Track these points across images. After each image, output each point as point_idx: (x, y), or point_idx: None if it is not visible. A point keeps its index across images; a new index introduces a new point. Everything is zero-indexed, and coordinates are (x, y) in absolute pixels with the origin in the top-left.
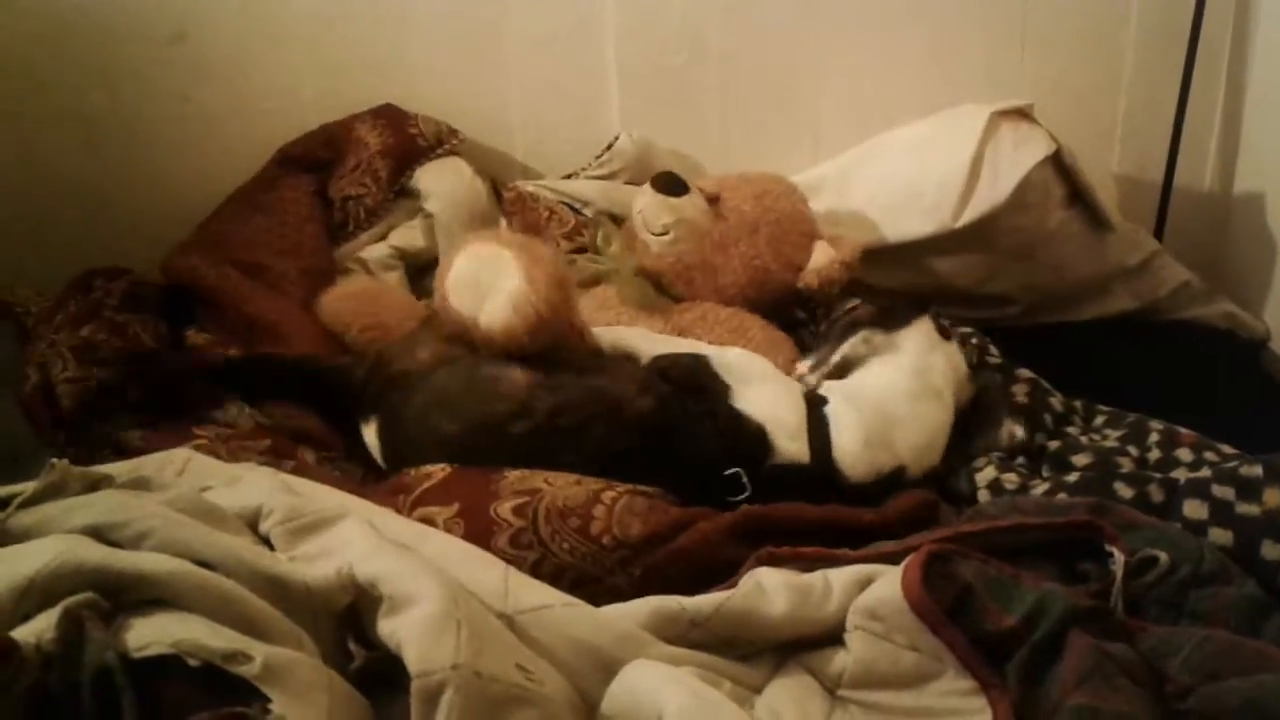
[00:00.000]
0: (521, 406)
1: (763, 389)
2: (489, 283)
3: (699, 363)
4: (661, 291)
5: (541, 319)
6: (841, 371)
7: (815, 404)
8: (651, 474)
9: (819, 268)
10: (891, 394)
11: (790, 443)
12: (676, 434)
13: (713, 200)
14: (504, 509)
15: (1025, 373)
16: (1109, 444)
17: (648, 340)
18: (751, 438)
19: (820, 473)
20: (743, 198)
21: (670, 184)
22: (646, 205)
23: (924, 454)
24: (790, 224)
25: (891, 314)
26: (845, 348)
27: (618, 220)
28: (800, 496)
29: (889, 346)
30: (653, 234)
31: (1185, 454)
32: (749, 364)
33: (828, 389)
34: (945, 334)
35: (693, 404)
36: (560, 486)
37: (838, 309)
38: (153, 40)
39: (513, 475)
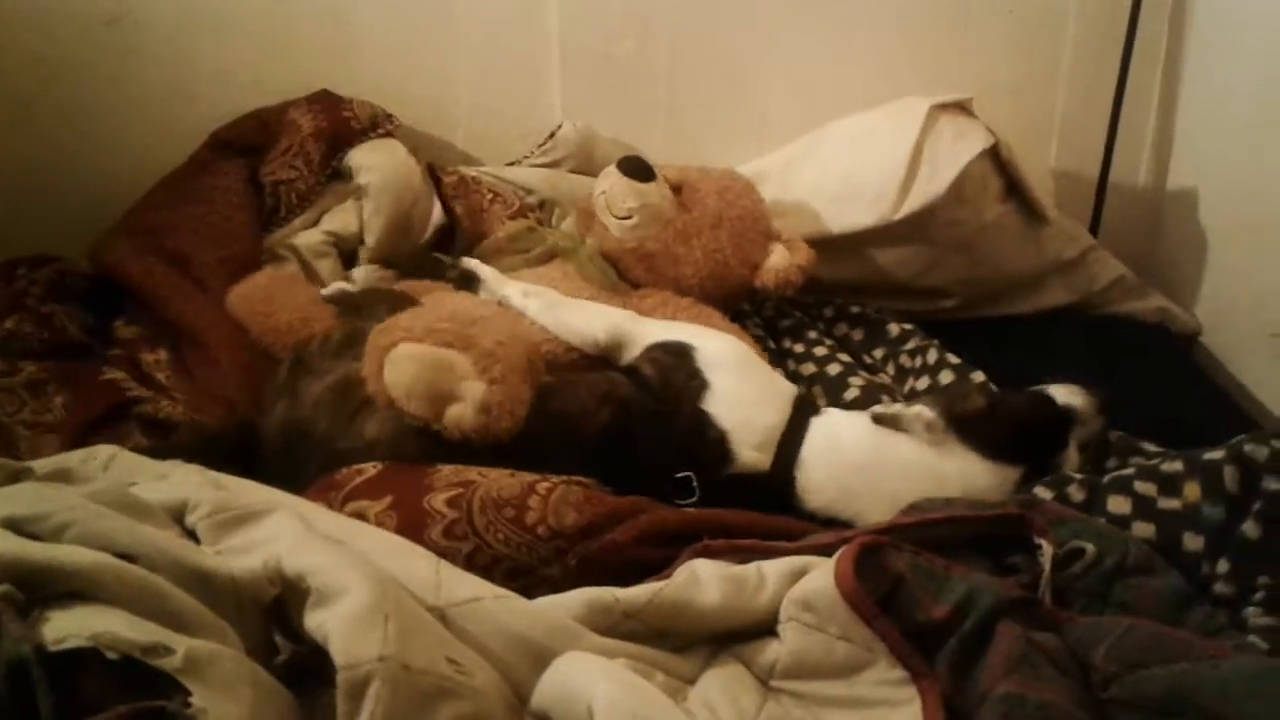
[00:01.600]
0: (488, 446)
1: (741, 385)
2: (448, 388)
3: (681, 357)
4: (619, 276)
5: (515, 415)
6: (879, 418)
7: (805, 411)
8: (609, 477)
9: (777, 268)
10: (896, 474)
11: (752, 451)
12: (635, 437)
13: (675, 190)
14: (437, 501)
15: (978, 375)
16: None
17: (644, 324)
18: (711, 444)
19: (777, 482)
20: (706, 191)
21: (638, 168)
22: (611, 187)
23: (880, 519)
24: (751, 222)
25: (976, 425)
26: (907, 415)
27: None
28: (752, 505)
29: (938, 444)
30: (616, 217)
31: (1111, 461)
32: (734, 357)
33: (836, 412)
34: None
35: (655, 404)
36: (494, 478)
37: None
38: (88, 21)
39: (446, 469)
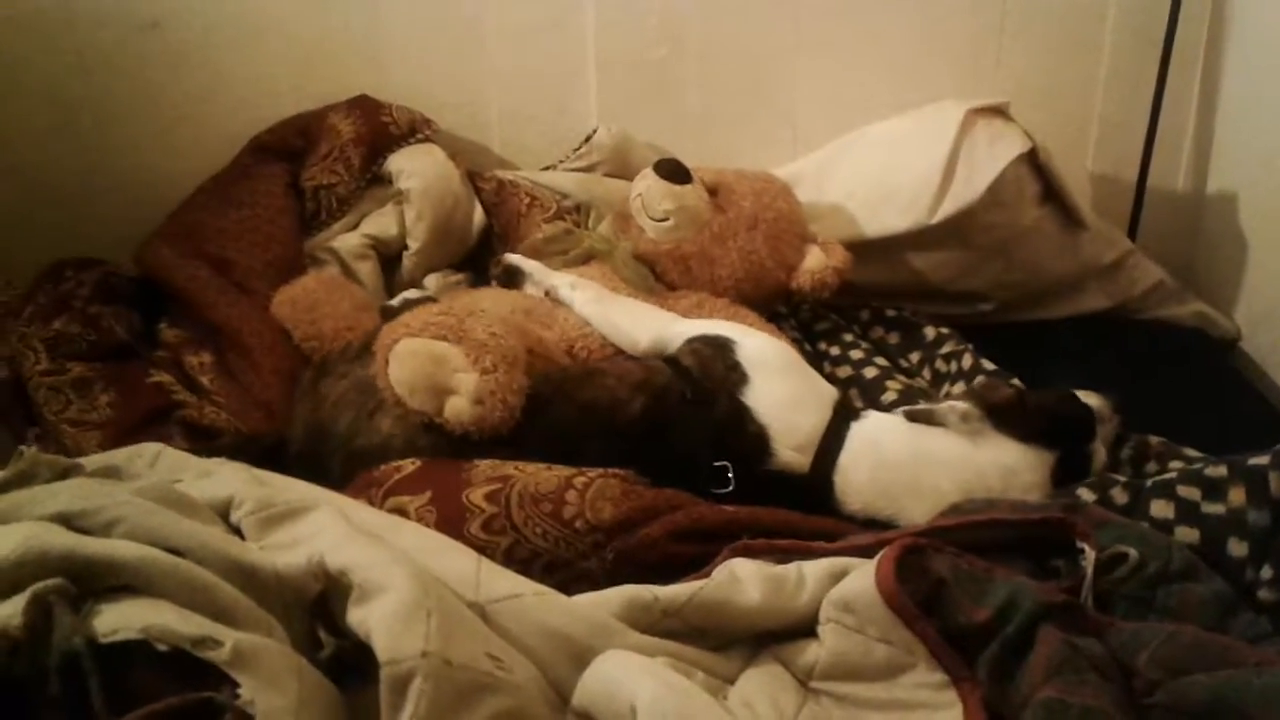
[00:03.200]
0: (516, 436)
1: (782, 385)
2: (443, 381)
3: (721, 349)
4: (655, 277)
5: (509, 405)
6: (913, 414)
7: (845, 415)
8: (643, 467)
9: (813, 270)
10: (935, 468)
11: (791, 451)
12: (670, 427)
13: (711, 192)
14: (476, 495)
15: (1014, 382)
16: None
17: (686, 324)
18: (749, 438)
19: (815, 484)
20: (742, 193)
21: (675, 171)
22: (648, 190)
23: (921, 519)
24: (787, 224)
25: (1009, 412)
26: (942, 409)
27: None
28: (789, 504)
29: (974, 434)
30: (652, 219)
31: (1152, 466)
32: (776, 356)
33: (875, 415)
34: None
35: (692, 393)
36: (532, 472)
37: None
38: (128, 27)
39: (484, 464)
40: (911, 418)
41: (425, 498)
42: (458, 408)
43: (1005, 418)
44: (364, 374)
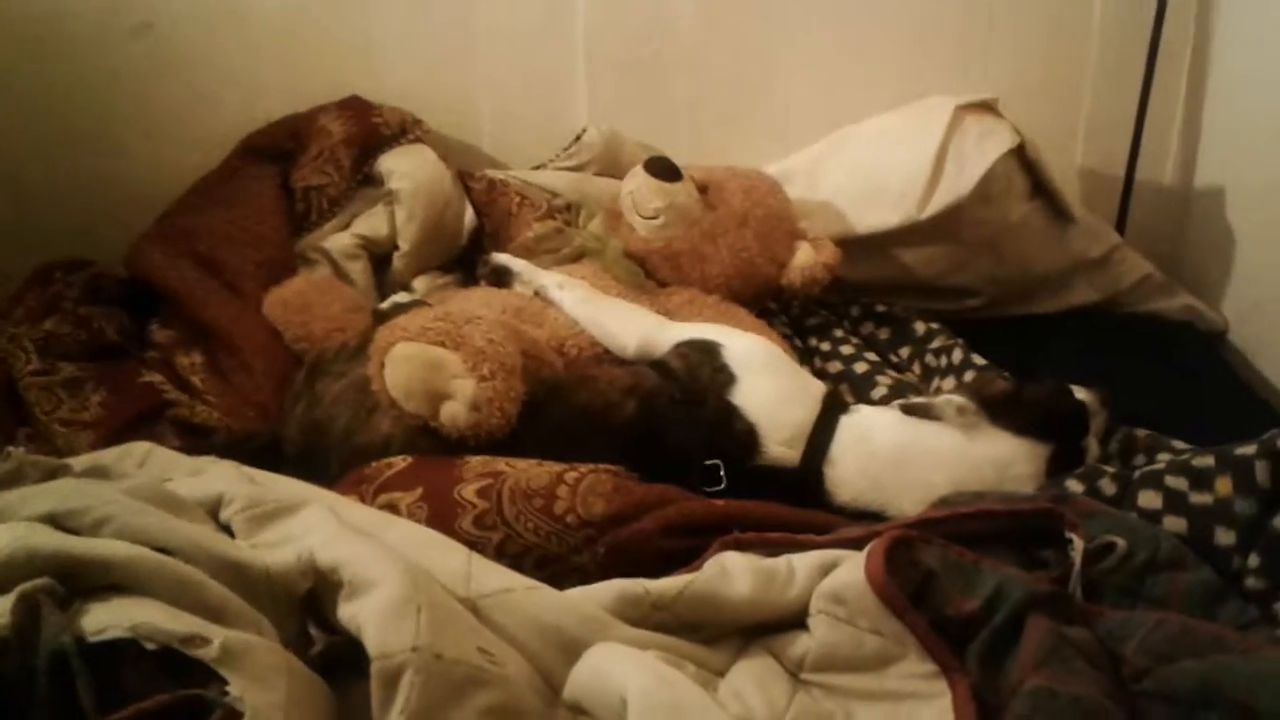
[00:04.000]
0: (514, 437)
1: (769, 383)
2: (440, 386)
3: (709, 354)
4: (646, 275)
5: (505, 413)
6: (910, 408)
7: (834, 409)
8: (637, 467)
9: (803, 266)
10: (928, 459)
11: (780, 446)
12: (662, 427)
13: (702, 190)
14: (467, 491)
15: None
16: None
17: (674, 328)
18: (738, 435)
19: (806, 477)
20: (732, 190)
21: (665, 169)
22: (639, 188)
23: (910, 510)
24: (777, 221)
25: (1005, 405)
26: (938, 402)
27: None
28: (781, 497)
29: (970, 428)
30: (643, 217)
31: (1140, 458)
32: (762, 355)
33: (866, 408)
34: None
35: (681, 395)
36: (523, 468)
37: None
38: (117, 30)
39: (475, 460)
40: (908, 411)
41: (417, 494)
42: (454, 413)
43: (1001, 411)
44: (360, 373)
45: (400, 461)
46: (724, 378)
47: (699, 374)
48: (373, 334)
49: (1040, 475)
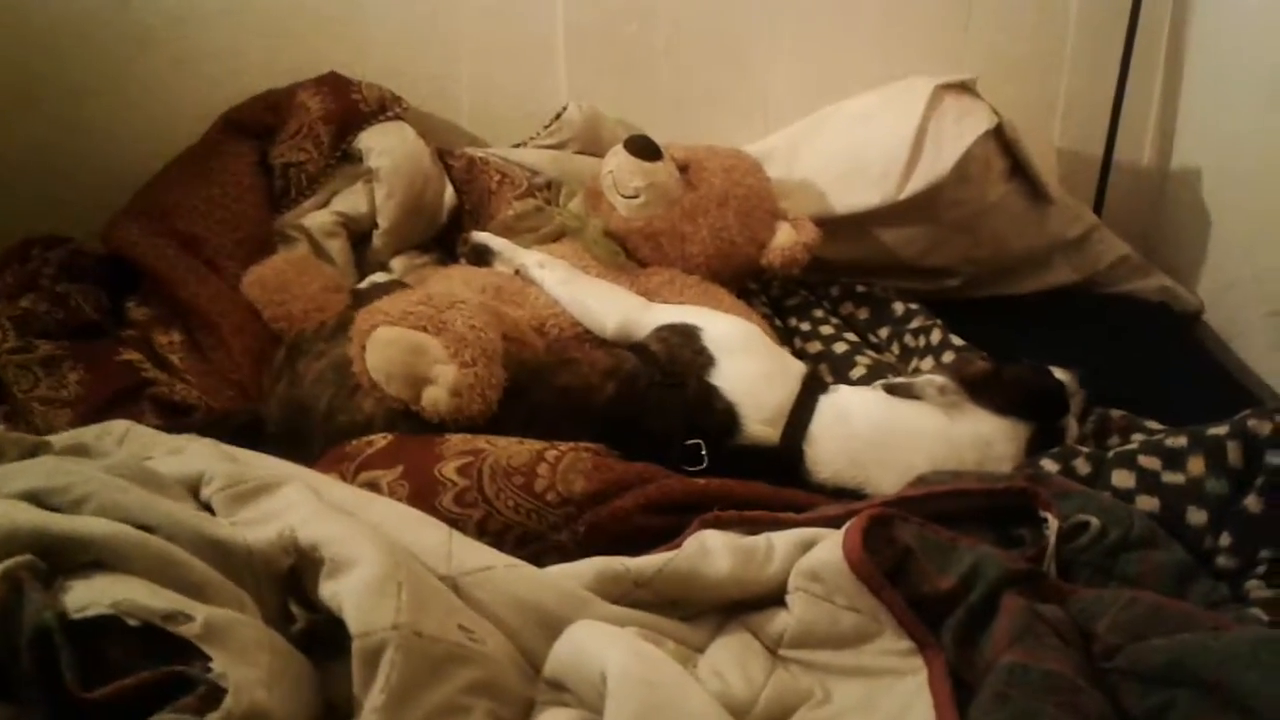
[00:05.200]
0: (494, 420)
1: (749, 363)
2: (423, 371)
3: (688, 336)
4: (626, 254)
5: (487, 399)
6: (892, 387)
7: (814, 388)
8: (618, 447)
9: (783, 246)
10: (908, 439)
11: (760, 425)
12: (642, 409)
13: (682, 169)
14: (448, 469)
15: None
16: None
17: (654, 311)
18: (718, 414)
19: (786, 456)
20: (713, 170)
21: (644, 148)
22: (619, 166)
23: (890, 488)
24: (757, 200)
25: (986, 385)
26: (920, 381)
27: None
28: (762, 476)
29: (951, 407)
30: (623, 196)
31: (1115, 440)
32: (741, 336)
33: (845, 388)
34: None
35: (662, 377)
36: (504, 446)
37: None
38: (97, 3)
39: (455, 438)
40: (890, 390)
41: (397, 472)
42: (435, 398)
43: (981, 390)
44: (340, 353)
45: (380, 440)
46: (704, 360)
47: (679, 356)
48: (351, 314)
49: (1020, 454)
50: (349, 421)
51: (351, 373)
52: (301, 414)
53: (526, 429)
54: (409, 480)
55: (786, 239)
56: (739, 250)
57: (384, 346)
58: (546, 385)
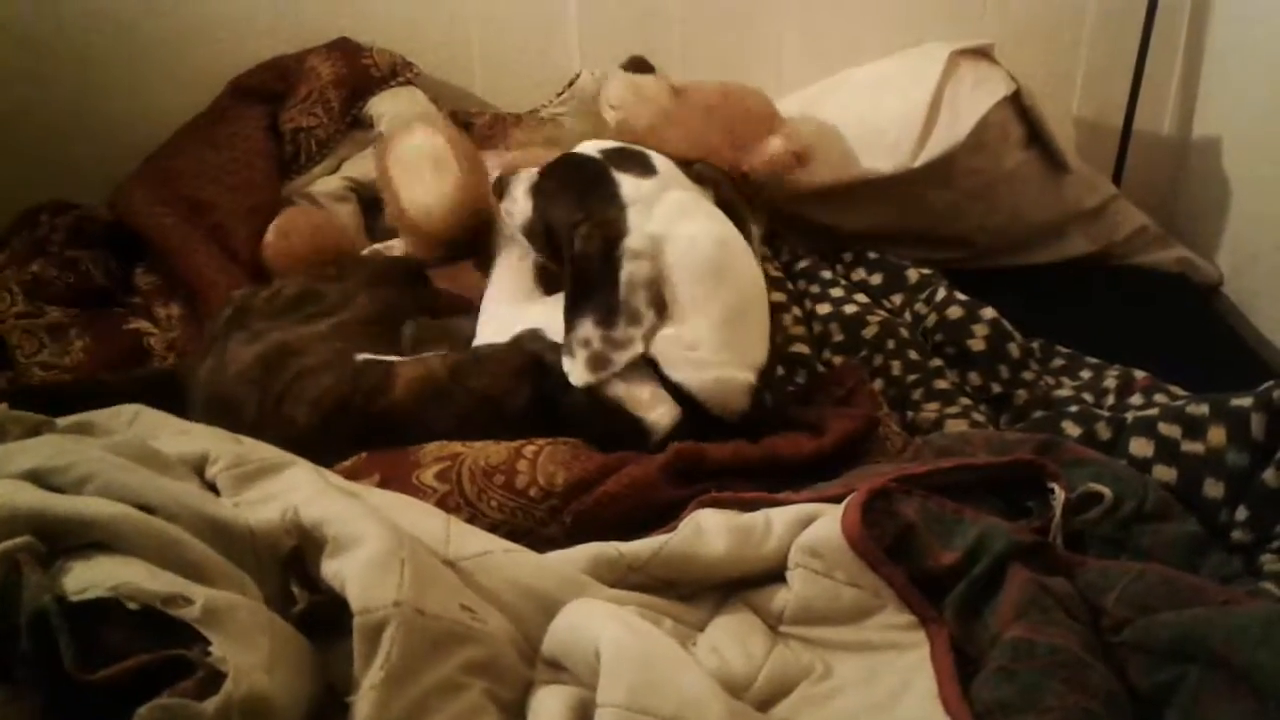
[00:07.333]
0: (424, 426)
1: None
2: (430, 173)
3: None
4: None
5: (478, 214)
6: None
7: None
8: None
9: (770, 154)
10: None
11: (655, 410)
12: (562, 420)
13: (679, 92)
14: (426, 476)
15: (989, 312)
16: (1065, 392)
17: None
18: (625, 419)
19: (700, 411)
20: (710, 90)
21: (636, 63)
22: (610, 81)
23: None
24: (750, 117)
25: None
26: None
27: None
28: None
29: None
30: (611, 107)
31: (1138, 399)
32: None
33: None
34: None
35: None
36: (480, 447)
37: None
38: None
39: (430, 445)
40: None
41: (373, 481)
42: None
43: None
44: (280, 340)
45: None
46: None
47: (545, 359)
48: (303, 289)
49: None
50: (280, 437)
51: (282, 372)
52: (224, 413)
53: (457, 435)
54: (387, 490)
55: (777, 147)
56: (720, 156)
57: (417, 139)
58: (467, 390)
